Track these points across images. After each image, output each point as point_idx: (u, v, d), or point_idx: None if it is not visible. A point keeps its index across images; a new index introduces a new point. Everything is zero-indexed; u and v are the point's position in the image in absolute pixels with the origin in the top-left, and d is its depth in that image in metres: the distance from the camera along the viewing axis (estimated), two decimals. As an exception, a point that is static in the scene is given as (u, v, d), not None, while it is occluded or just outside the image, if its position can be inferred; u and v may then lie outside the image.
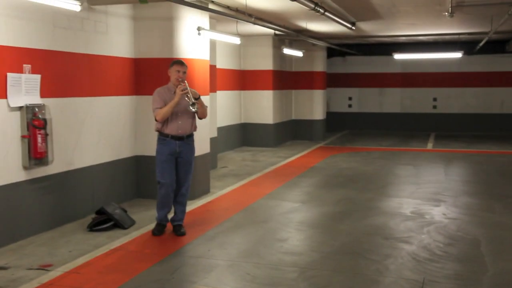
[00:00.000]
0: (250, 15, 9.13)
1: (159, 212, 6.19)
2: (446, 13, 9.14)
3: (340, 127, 19.18)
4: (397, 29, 12.74)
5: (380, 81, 19.03)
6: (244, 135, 14.76)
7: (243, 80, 14.57)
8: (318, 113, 16.58)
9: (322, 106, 16.76)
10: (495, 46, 16.45)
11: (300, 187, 9.22)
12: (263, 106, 14.61)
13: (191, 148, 6.22)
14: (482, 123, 18.35)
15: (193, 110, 5.89)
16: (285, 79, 15.58)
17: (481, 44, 14.73)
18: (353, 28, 11.06)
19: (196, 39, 8.01)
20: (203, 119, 6.50)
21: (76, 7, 5.96)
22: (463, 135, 17.47)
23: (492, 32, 11.68)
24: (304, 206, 7.79)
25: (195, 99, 5.90)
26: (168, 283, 4.78)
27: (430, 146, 15.19)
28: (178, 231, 6.18)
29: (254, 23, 9.23)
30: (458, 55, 15.28)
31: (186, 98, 5.87)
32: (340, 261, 5.40)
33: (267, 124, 14.65)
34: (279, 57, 14.76)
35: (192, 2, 7.17)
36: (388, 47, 16.90)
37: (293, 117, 16.45)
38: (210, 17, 8.61)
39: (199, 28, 7.99)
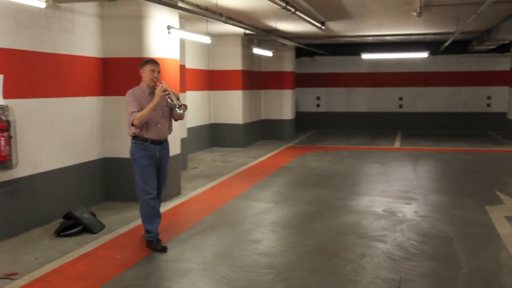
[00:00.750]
0: (220, 14, 8.98)
1: (151, 225, 5.55)
2: (414, 13, 9.18)
3: (309, 127, 19.19)
4: (365, 29, 12.78)
5: (348, 81, 19.12)
6: (213, 135, 14.59)
7: (212, 80, 14.39)
8: (287, 113, 16.54)
9: (291, 106, 16.73)
10: (459, 46, 16.69)
11: (272, 187, 9.12)
12: (233, 106, 14.48)
13: (168, 152, 5.84)
14: (447, 121, 18.61)
15: (180, 112, 5.50)
16: (254, 79, 15.47)
17: (446, 44, 14.93)
18: (323, 27, 11.03)
19: (166, 38, 7.82)
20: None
21: (41, 3, 5.73)
22: (429, 134, 17.67)
23: (458, 32, 11.81)
24: (277, 206, 7.69)
25: (177, 99, 5.53)
26: (140, 289, 4.61)
27: (397, 144, 15.31)
28: (162, 245, 5.62)
29: (225, 22, 9.08)
30: (424, 55, 15.46)
31: (169, 100, 5.46)
32: (316, 262, 5.31)
33: (237, 124, 14.52)
34: (249, 57, 14.64)
35: (162, 0, 6.98)
36: (356, 47, 16.99)
37: (263, 117, 16.36)
38: (180, 17, 8.42)
39: (169, 27, 7.81)
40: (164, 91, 5.33)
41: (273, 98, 16.24)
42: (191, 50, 12.38)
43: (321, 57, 18.66)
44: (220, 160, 12.31)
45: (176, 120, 5.85)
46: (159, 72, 5.55)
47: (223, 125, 14.56)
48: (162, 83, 5.42)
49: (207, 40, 10.04)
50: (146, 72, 5.50)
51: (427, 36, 14.62)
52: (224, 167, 11.17)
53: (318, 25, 10.44)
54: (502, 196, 8.24)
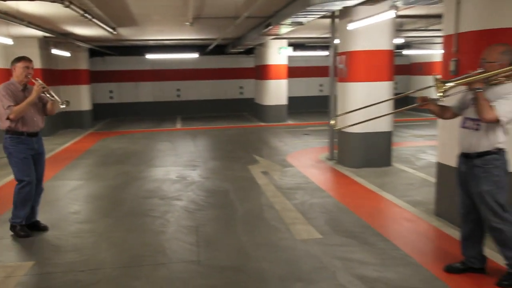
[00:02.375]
0: (22, 19, 8.12)
1: (21, 211, 4.80)
2: (188, 23, 9.45)
3: (105, 116, 18.37)
4: (149, 34, 12.72)
5: (135, 76, 18.74)
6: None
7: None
8: (85, 105, 15.63)
9: (88, 99, 15.84)
10: (219, 49, 17.58)
11: (81, 167, 8.69)
12: (36, 101, 13.16)
13: (42, 142, 5.04)
14: (214, 106, 19.58)
15: (62, 106, 4.78)
16: (54, 77, 14.27)
17: (210, 47, 15.62)
18: (114, 32, 10.69)
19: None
20: None
21: None
22: (201, 116, 18.36)
23: (220, 38, 12.48)
24: (88, 183, 7.40)
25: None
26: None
27: (179, 126, 15.62)
28: (42, 226, 5.05)
29: (27, 26, 8.23)
30: (195, 55, 15.93)
31: (48, 95, 4.78)
32: (130, 222, 5.33)
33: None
34: (48, 57, 13.43)
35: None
36: (141, 48, 16.74)
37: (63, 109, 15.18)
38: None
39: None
40: (43, 87, 4.66)
41: (72, 93, 15.13)
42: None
43: (111, 57, 17.94)
44: (28, 148, 11.20)
45: (47, 114, 5.00)
46: (32, 68, 4.78)
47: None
48: (37, 80, 4.72)
49: (9, 41, 9.00)
50: (19, 69, 4.68)
51: (196, 41, 15.11)
52: (34, 154, 10.23)
53: (110, 30, 10.10)
54: (257, 158, 9.12)
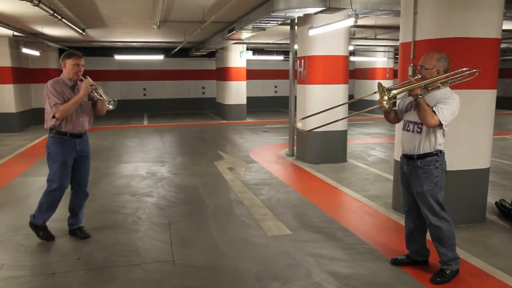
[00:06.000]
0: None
1: (44, 214, 4.09)
2: (155, 26, 8.92)
3: (74, 112, 17.35)
4: (117, 36, 11.98)
5: (104, 76, 17.69)
6: (-12, 123, 12.02)
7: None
8: (54, 102, 14.63)
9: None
10: (183, 52, 17.02)
11: (51, 163, 7.96)
12: (5, 98, 12.11)
13: (88, 143, 4.22)
14: (178, 105, 18.97)
15: (110, 107, 4.01)
16: (24, 75, 13.23)
17: (175, 50, 15.03)
18: (84, 33, 9.92)
19: None
20: None
21: None
22: (166, 114, 17.75)
23: (186, 41, 11.96)
24: (59, 179, 6.74)
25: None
26: None
27: (146, 123, 14.97)
28: (84, 233, 4.28)
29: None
30: (160, 57, 15.29)
31: (96, 94, 4.01)
32: (103, 219, 4.82)
33: (10, 113, 12.25)
34: (18, 55, 12.38)
35: None
36: (109, 50, 15.85)
37: (34, 106, 14.12)
38: None
39: None
40: (92, 85, 3.92)
41: (42, 91, 14.05)
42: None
43: (80, 57, 16.93)
44: (-3, 144, 10.27)
45: (97, 114, 4.23)
46: (83, 65, 4.04)
47: (-2, 114, 12.11)
48: (87, 77, 3.98)
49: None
50: (70, 66, 3.95)
51: (162, 44, 14.48)
52: (4, 150, 9.33)
53: (80, 31, 9.36)
54: (222, 154, 8.74)
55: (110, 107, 4.02)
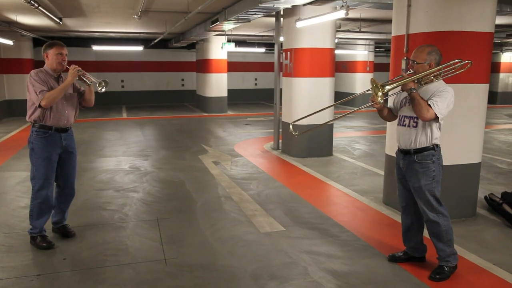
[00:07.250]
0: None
1: (37, 220, 3.76)
2: (136, 16, 8.64)
3: (49, 104, 16.77)
4: (96, 26, 11.55)
5: (80, 66, 17.02)
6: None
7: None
8: (28, 93, 14.06)
9: (31, 87, 14.25)
10: (163, 43, 16.65)
11: (28, 157, 7.59)
12: (-24, 89, 11.59)
13: (74, 139, 3.93)
14: (158, 97, 18.60)
15: (100, 89, 3.74)
16: (-5, 65, 12.68)
17: (155, 41, 14.67)
18: (60, 23, 9.50)
19: None
20: None
21: None
22: (145, 106, 17.38)
23: (167, 32, 11.65)
24: (37, 174, 6.44)
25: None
26: None
27: (125, 115, 14.60)
28: (70, 231, 4.03)
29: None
30: (139, 48, 14.90)
31: (85, 79, 3.75)
32: (87, 216, 4.60)
33: (-18, 104, 11.73)
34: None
35: None
36: (86, 40, 15.34)
37: (7, 98, 13.53)
38: None
39: None
40: (78, 72, 3.66)
41: (15, 81, 13.51)
42: None
43: (55, 47, 16.32)
44: (-32, 137, 9.78)
45: (85, 106, 3.99)
46: (66, 55, 3.74)
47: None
48: (72, 65, 3.70)
49: None
50: (53, 55, 3.65)
51: (141, 34, 14.10)
52: (-26, 143, 8.91)
53: (57, 20, 8.95)
54: (206, 147, 8.57)
55: (102, 89, 3.77)
